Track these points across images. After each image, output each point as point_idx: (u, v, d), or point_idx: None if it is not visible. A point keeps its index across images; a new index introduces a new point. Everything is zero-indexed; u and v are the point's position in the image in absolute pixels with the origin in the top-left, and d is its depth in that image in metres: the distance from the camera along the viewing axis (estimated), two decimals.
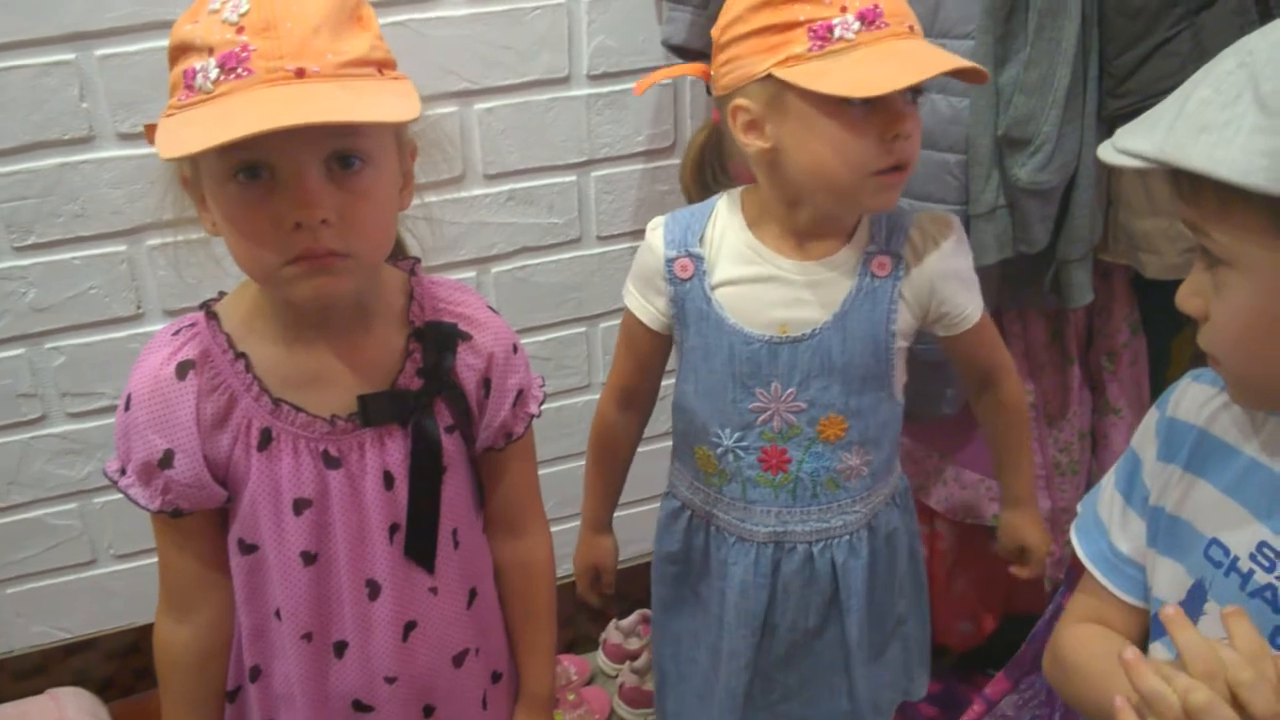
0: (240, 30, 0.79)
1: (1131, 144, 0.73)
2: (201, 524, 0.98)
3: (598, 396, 1.81)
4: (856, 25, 0.97)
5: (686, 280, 1.13)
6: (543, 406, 1.74)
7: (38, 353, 1.53)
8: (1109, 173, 1.26)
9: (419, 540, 1.00)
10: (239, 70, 0.79)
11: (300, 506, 0.95)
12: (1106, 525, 0.92)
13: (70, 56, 1.38)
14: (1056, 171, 1.20)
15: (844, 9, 0.98)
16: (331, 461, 0.95)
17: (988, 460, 1.60)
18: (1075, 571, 1.62)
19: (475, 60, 1.54)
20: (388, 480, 0.97)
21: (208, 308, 0.96)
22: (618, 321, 1.75)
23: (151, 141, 0.84)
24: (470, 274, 1.67)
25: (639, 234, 1.72)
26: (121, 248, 1.49)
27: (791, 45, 0.99)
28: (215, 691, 1.05)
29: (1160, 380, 1.56)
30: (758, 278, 1.11)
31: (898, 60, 0.97)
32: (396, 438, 0.97)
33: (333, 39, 0.81)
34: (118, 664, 1.76)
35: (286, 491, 0.95)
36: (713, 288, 1.12)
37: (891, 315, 1.10)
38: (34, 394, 1.55)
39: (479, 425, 1.03)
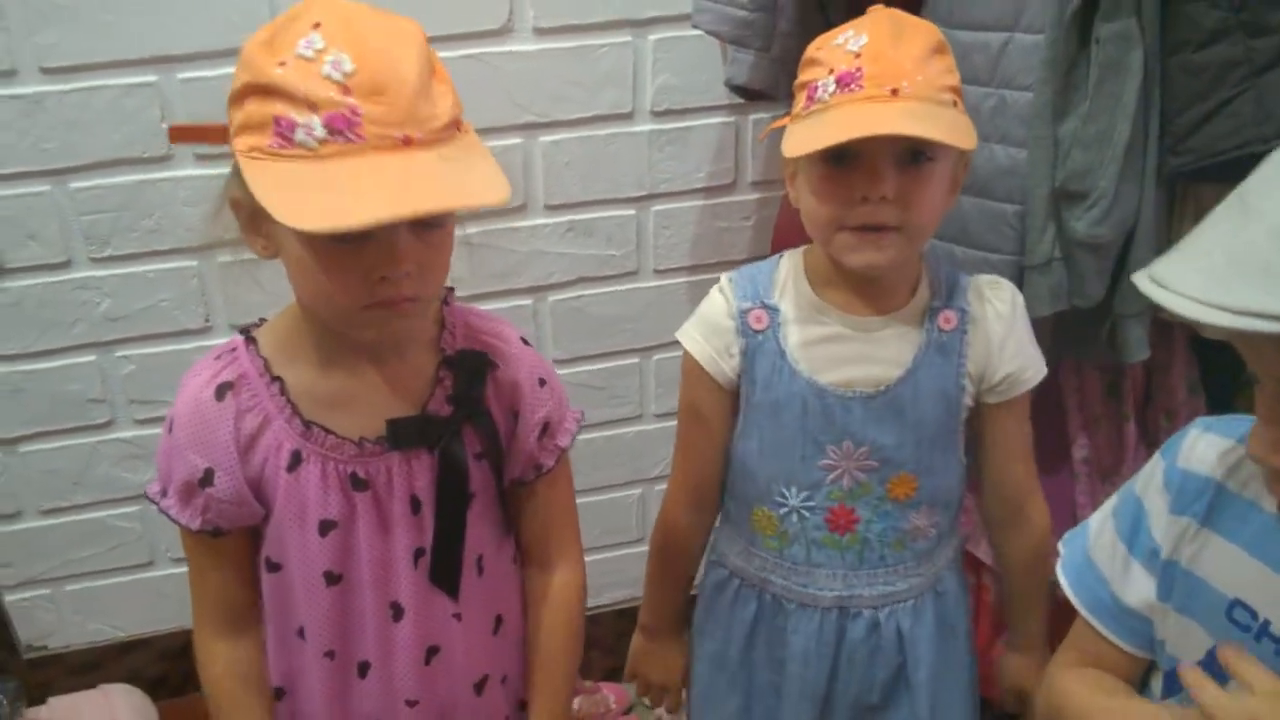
0: (346, 91, 0.79)
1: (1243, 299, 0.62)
2: (238, 544, 1.01)
3: (648, 427, 1.86)
4: (833, 88, 0.99)
5: (761, 332, 1.12)
6: (594, 435, 1.81)
7: (108, 360, 1.59)
8: (1169, 230, 1.24)
9: (443, 566, 1.01)
10: (349, 135, 0.80)
11: (326, 528, 0.97)
12: (1106, 576, 0.90)
13: (153, 79, 1.44)
14: (1114, 226, 1.19)
15: (831, 71, 1.00)
16: (359, 484, 0.97)
17: None
18: (1063, 609, 1.59)
19: (543, 94, 1.57)
20: (415, 505, 0.99)
21: (248, 333, 0.99)
22: (671, 355, 1.79)
23: (181, 138, 0.86)
24: (527, 301, 1.70)
25: (696, 269, 1.77)
26: (193, 263, 1.55)
27: (798, 106, 1.05)
28: (269, 705, 1.06)
29: None
30: (825, 337, 1.10)
31: (846, 124, 0.97)
32: (424, 463, 0.99)
33: (429, 101, 0.83)
34: (169, 664, 1.81)
35: (313, 513, 0.97)
36: (787, 339, 1.11)
37: (961, 369, 1.10)
38: (103, 400, 1.61)
39: (507, 457, 1.04)
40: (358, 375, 0.97)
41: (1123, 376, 1.42)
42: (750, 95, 1.51)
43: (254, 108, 0.82)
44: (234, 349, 0.98)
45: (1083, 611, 0.91)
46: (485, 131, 1.53)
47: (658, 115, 1.63)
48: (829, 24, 1.44)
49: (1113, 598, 0.90)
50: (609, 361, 1.78)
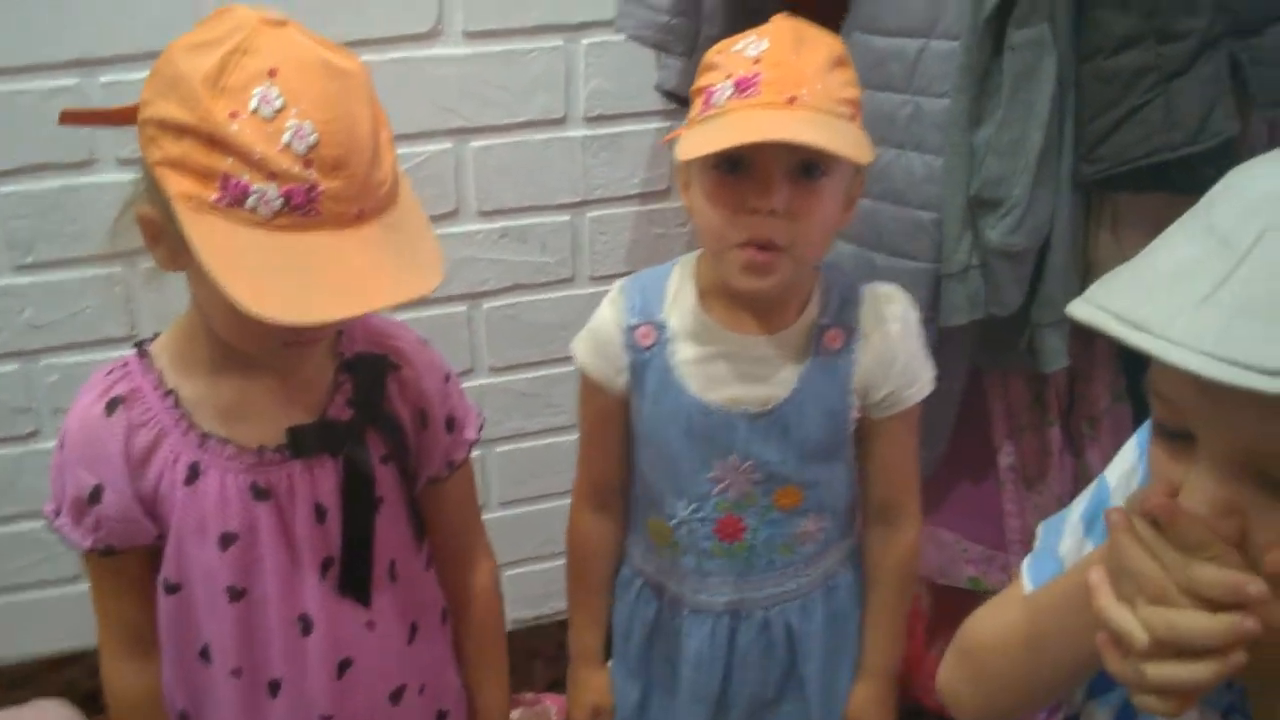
0: (308, 164, 0.79)
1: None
2: (137, 564, 0.99)
3: None
4: (729, 93, 0.98)
5: (648, 348, 1.11)
6: (532, 443, 1.80)
7: (33, 369, 1.56)
8: (1085, 238, 1.24)
9: (353, 573, 1.00)
10: (306, 210, 0.79)
11: (227, 541, 0.96)
12: (1063, 557, 0.84)
13: (74, 82, 1.43)
14: (1028, 234, 1.19)
15: (729, 75, 0.98)
16: (260, 493, 0.96)
17: (966, 521, 1.58)
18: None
19: (473, 99, 1.57)
20: (319, 513, 0.98)
21: (140, 347, 0.97)
22: None
23: (71, 121, 0.89)
24: (461, 309, 1.69)
25: (631, 274, 1.75)
26: (117, 270, 1.53)
27: (694, 111, 1.03)
28: None
29: None
30: (711, 355, 1.09)
31: (741, 128, 0.95)
32: (328, 469, 0.98)
33: (379, 166, 0.83)
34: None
35: (213, 526, 0.95)
36: (674, 356, 1.11)
37: (848, 386, 1.09)
38: (28, 409, 1.59)
39: (417, 457, 1.04)
40: (255, 383, 0.96)
41: (1046, 384, 1.42)
42: (681, 100, 1.51)
43: (197, 154, 0.79)
44: (126, 363, 0.97)
45: (1029, 586, 0.84)
46: (414, 136, 1.55)
47: (590, 120, 1.63)
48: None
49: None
50: (545, 369, 1.77)
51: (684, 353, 1.10)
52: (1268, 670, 0.60)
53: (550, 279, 1.71)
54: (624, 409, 1.16)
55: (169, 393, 0.95)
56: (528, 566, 1.87)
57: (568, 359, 1.76)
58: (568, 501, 1.85)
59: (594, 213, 1.69)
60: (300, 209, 0.79)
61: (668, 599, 1.20)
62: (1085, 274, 1.27)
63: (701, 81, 1.03)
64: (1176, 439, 0.61)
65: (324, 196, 0.79)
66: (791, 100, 0.96)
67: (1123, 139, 1.12)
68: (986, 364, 1.37)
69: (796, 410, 1.09)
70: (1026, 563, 0.85)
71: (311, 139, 0.79)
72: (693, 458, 1.12)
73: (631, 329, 1.12)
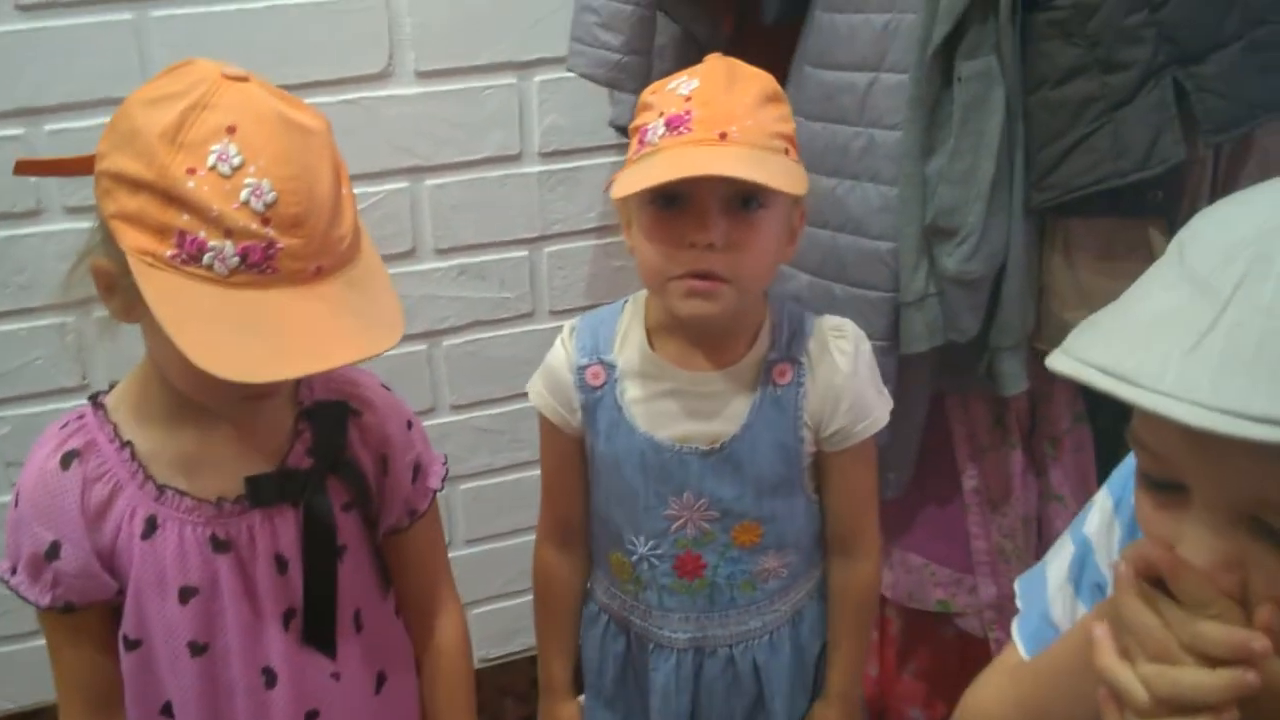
0: (266, 222, 0.78)
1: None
2: (97, 620, 0.97)
3: None
4: (662, 131, 0.99)
5: (598, 388, 1.11)
6: (498, 480, 1.79)
7: None
8: (1039, 263, 1.26)
9: (317, 624, 0.99)
10: (263, 267, 0.79)
11: (187, 595, 0.94)
12: (1059, 626, 0.83)
13: (20, 131, 1.41)
14: (983, 262, 1.20)
15: (661, 114, 0.99)
16: (220, 545, 0.94)
17: (933, 545, 1.58)
18: None
19: (426, 137, 1.56)
20: (281, 564, 0.96)
21: (95, 399, 0.96)
22: None
23: (26, 171, 0.88)
24: (421, 347, 1.68)
25: (591, 308, 1.74)
26: (69, 319, 1.50)
27: (631, 149, 1.03)
28: None
29: (1107, 466, 1.54)
30: (661, 393, 1.10)
31: (671, 164, 0.96)
32: (288, 519, 0.96)
33: (339, 222, 0.83)
34: None
35: (172, 580, 0.93)
36: (624, 395, 1.11)
37: (799, 421, 1.09)
38: None
39: (379, 505, 1.03)
40: (212, 433, 0.95)
41: (1008, 406, 1.43)
42: None
43: (152, 209, 0.79)
44: (81, 416, 0.95)
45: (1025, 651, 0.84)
46: (369, 176, 1.55)
47: (546, 156, 1.63)
48: None
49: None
50: (508, 405, 1.76)
51: (633, 391, 1.11)
52: None
53: (510, 314, 1.71)
54: (581, 447, 1.16)
55: (125, 445, 0.93)
56: (495, 604, 1.86)
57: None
58: (534, 538, 1.87)
59: (552, 247, 1.69)
60: (257, 266, 0.79)
61: (634, 633, 1.20)
62: (1040, 298, 1.28)
63: (637, 121, 1.05)
64: (1165, 490, 0.60)
65: (282, 254, 0.79)
66: (723, 136, 0.97)
67: (1072, 167, 1.14)
68: (948, 389, 1.38)
69: (748, 446, 1.09)
70: (1017, 629, 0.84)
71: (269, 196, 0.78)
72: (648, 495, 1.12)
73: (582, 369, 1.12)
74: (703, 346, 1.09)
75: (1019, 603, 0.86)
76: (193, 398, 0.90)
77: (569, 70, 1.40)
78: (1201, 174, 1.17)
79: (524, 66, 1.57)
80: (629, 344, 1.12)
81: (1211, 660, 0.56)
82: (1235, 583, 0.57)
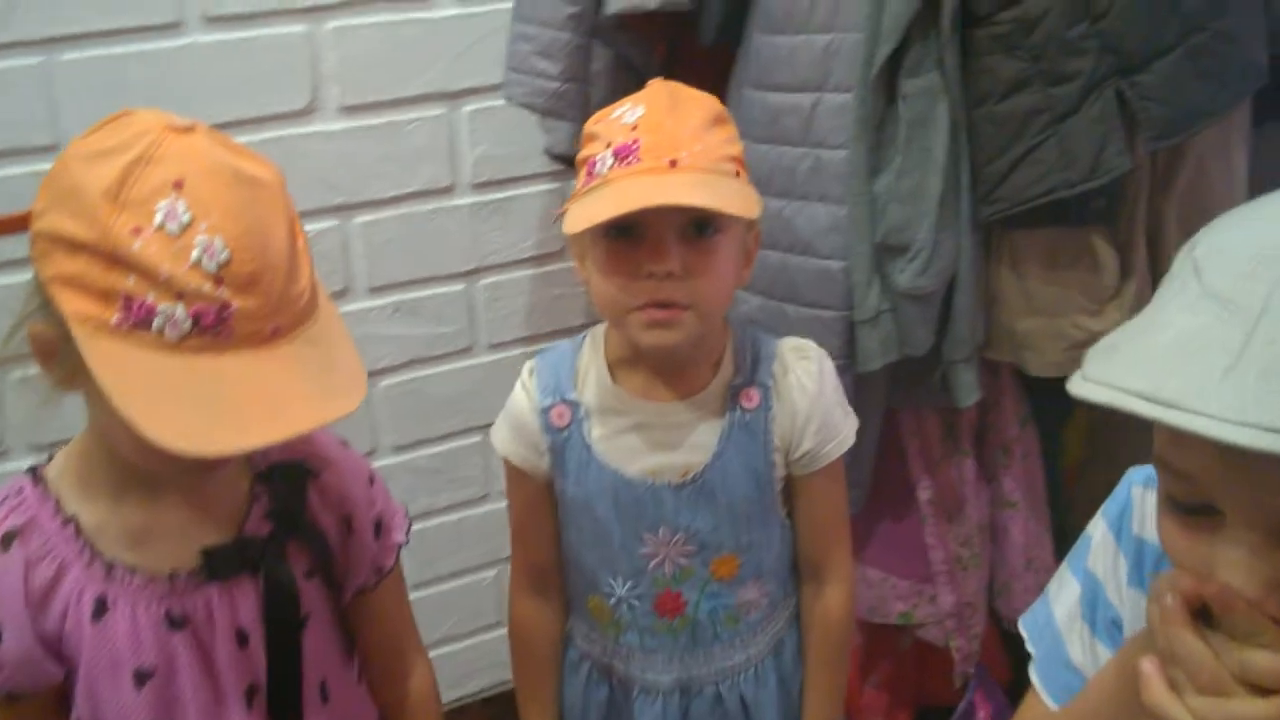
0: (219, 282, 0.74)
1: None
2: (43, 710, 0.90)
3: (497, 505, 1.80)
4: (610, 161, 0.97)
5: (564, 428, 1.08)
6: (442, 520, 1.74)
7: None
8: (987, 273, 1.27)
9: (282, 699, 0.93)
10: (218, 330, 0.75)
11: (142, 679, 0.88)
12: (1080, 667, 0.82)
13: None
14: (935, 276, 1.20)
15: (609, 144, 0.97)
16: (176, 623, 0.88)
17: (891, 558, 1.59)
18: (986, 669, 1.62)
19: (355, 173, 1.52)
20: (241, 638, 0.91)
21: (35, 471, 0.90)
22: None
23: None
24: None
25: (532, 339, 1.73)
26: None
27: (579, 181, 1.02)
28: None
29: (1054, 470, 1.56)
30: (627, 427, 1.07)
31: (623, 196, 0.94)
32: (247, 590, 0.91)
33: (295, 279, 0.79)
34: None
35: (126, 663, 0.87)
36: (590, 433, 1.08)
37: (769, 445, 1.07)
38: None
39: (343, 567, 0.98)
40: (163, 503, 0.89)
41: (958, 416, 1.44)
42: (571, 162, 1.49)
43: (95, 271, 0.74)
44: (20, 490, 0.88)
45: (1053, 704, 0.83)
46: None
47: (479, 187, 1.60)
48: (641, 88, 1.44)
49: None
50: (450, 443, 1.72)
51: (599, 428, 1.08)
52: None
53: (448, 350, 1.67)
54: (550, 491, 1.12)
55: (69, 520, 0.87)
56: (446, 647, 1.81)
57: (472, 430, 1.75)
58: (482, 576, 1.83)
59: (488, 279, 1.66)
60: (211, 330, 0.74)
61: (617, 679, 1.17)
62: (988, 309, 1.29)
63: (585, 153, 1.02)
64: (1195, 514, 0.60)
65: (237, 316, 0.74)
66: (673, 163, 0.95)
67: (1020, 179, 1.15)
68: (901, 403, 1.38)
69: (720, 474, 1.07)
70: (1037, 676, 0.83)
71: (222, 255, 0.74)
72: (623, 533, 1.09)
73: (546, 410, 1.09)
74: (666, 377, 1.06)
75: (1030, 646, 0.85)
76: (142, 466, 0.85)
77: (507, 100, 1.38)
78: (1140, 180, 1.19)
79: (452, 97, 1.53)
80: (591, 380, 1.09)
81: (1258, 689, 0.56)
82: (1277, 605, 0.57)
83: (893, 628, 1.59)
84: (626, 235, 0.97)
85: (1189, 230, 1.24)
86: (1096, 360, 0.60)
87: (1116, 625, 0.79)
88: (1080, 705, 0.76)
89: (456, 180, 1.58)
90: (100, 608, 0.87)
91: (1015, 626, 1.56)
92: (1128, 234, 1.23)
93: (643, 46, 1.39)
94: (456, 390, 1.69)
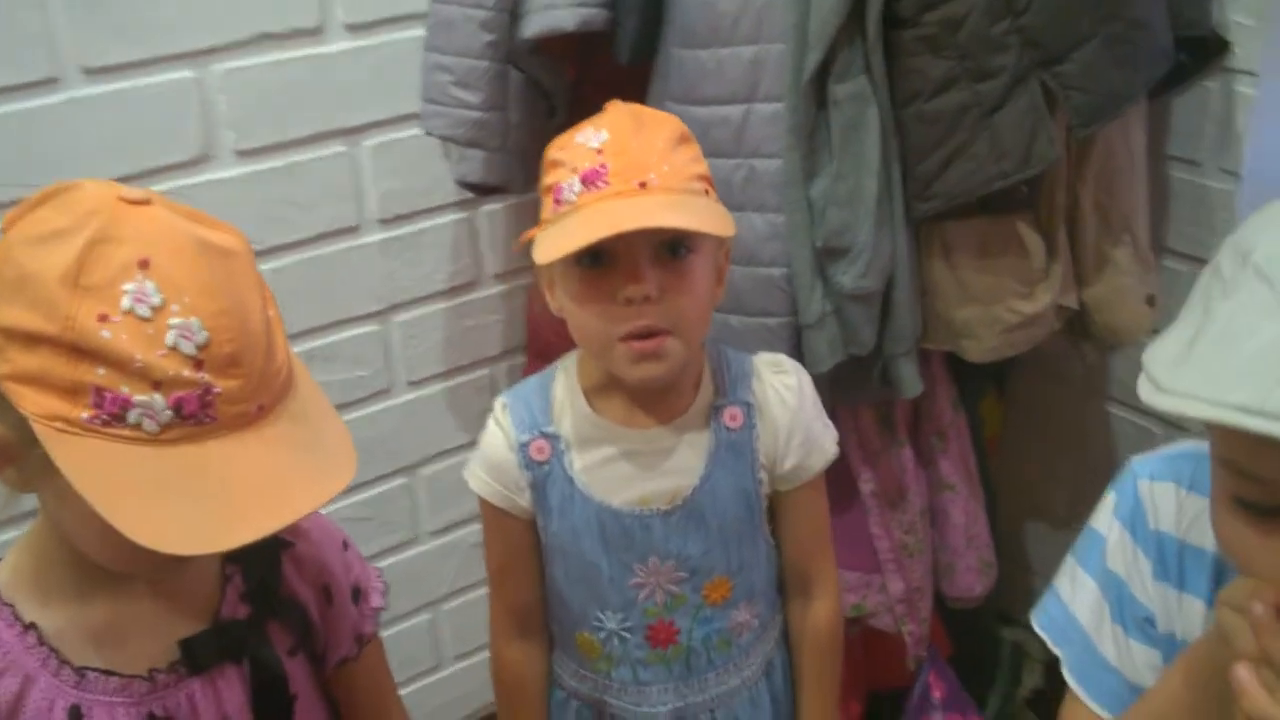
0: (199, 366, 0.69)
1: None
2: None
3: (427, 547, 1.75)
4: (579, 187, 0.95)
5: (544, 463, 1.05)
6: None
7: None
8: (920, 269, 1.30)
9: None
10: (201, 418, 0.70)
11: None
12: (1116, 665, 0.83)
13: None
14: (877, 276, 1.22)
15: (575, 170, 0.96)
16: None
17: (839, 552, 1.58)
18: (938, 649, 1.66)
19: (256, 220, 1.44)
20: None
21: None
22: (440, 466, 1.70)
23: None
24: None
25: (451, 373, 1.68)
26: None
27: (545, 210, 0.99)
28: None
29: (978, 445, 1.62)
30: (611, 457, 1.05)
31: (596, 222, 0.92)
32: (231, 679, 0.86)
33: (273, 354, 0.75)
34: None
35: None
36: (573, 465, 1.05)
37: (756, 464, 1.07)
38: None
39: (325, 639, 0.94)
40: (131, 598, 0.83)
41: (893, 408, 1.47)
42: (485, 191, 1.46)
43: (58, 366, 0.68)
44: None
45: (1099, 709, 0.84)
46: None
47: (386, 223, 1.54)
48: (553, 111, 1.42)
49: (1128, 687, 0.83)
50: (375, 488, 1.66)
51: (582, 460, 1.06)
52: None
53: (366, 393, 1.60)
54: (531, 529, 1.10)
55: (29, 628, 0.80)
56: None
57: (397, 473, 1.69)
58: (418, 620, 1.77)
59: (402, 316, 1.60)
60: (194, 418, 0.69)
61: (609, 714, 1.14)
62: (924, 301, 1.32)
63: (548, 180, 1.00)
64: (1270, 514, 0.62)
65: (220, 399, 0.70)
66: (643, 185, 0.94)
67: (955, 175, 1.18)
68: (843, 402, 1.40)
69: (709, 496, 1.06)
70: (1075, 679, 0.84)
71: (200, 337, 0.69)
72: (612, 566, 1.07)
73: (524, 446, 1.06)
74: (647, 402, 1.05)
75: (1056, 648, 0.86)
76: (110, 567, 0.79)
77: (427, 133, 1.33)
78: (1057, 165, 1.24)
79: (352, 132, 1.47)
80: (568, 411, 1.06)
81: None
82: None
83: (848, 622, 1.61)
84: (599, 262, 0.96)
85: (1101, 208, 1.32)
86: (1169, 371, 0.61)
87: (1150, 622, 0.81)
88: (1145, 710, 0.77)
89: (363, 218, 1.52)
90: (75, 716, 0.80)
91: (957, 604, 1.62)
92: (1049, 218, 1.28)
93: (555, 69, 1.37)
94: (378, 433, 1.63)
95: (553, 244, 0.94)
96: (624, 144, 0.96)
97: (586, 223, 0.93)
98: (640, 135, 0.97)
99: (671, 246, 0.96)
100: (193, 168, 1.38)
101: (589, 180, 0.95)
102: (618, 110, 1.00)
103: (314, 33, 1.41)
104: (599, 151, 0.95)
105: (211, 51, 1.35)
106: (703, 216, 0.95)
